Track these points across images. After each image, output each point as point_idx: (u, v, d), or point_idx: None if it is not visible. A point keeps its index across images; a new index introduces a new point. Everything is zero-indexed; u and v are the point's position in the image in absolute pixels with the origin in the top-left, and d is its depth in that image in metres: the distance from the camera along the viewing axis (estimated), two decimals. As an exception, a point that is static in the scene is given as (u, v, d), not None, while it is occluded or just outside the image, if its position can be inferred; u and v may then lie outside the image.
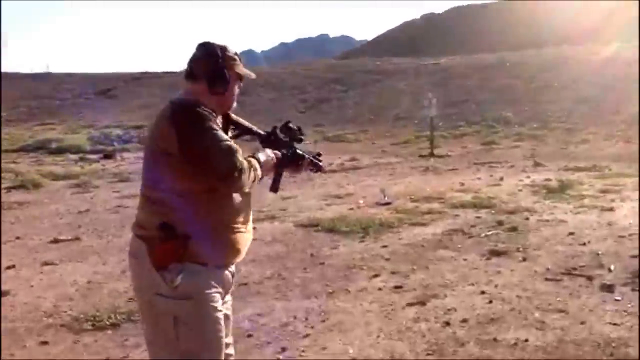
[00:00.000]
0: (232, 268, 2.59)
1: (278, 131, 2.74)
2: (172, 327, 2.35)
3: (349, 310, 4.69)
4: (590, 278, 5.27)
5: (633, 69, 21.53)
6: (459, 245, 6.51)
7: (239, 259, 2.57)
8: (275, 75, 32.22)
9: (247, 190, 2.45)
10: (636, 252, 5.85)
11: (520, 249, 6.27)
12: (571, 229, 7.06)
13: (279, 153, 2.67)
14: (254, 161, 2.46)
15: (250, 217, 2.59)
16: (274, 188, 2.75)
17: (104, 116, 26.61)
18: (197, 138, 2.30)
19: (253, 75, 2.60)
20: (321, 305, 4.82)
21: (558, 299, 4.80)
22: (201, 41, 2.54)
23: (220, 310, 2.47)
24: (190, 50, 2.52)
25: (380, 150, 17.12)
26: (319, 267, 5.87)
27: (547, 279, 5.31)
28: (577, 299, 4.79)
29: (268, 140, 2.72)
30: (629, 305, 4.59)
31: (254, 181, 2.43)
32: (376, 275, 5.55)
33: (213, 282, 2.44)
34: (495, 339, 4.07)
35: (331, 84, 28.91)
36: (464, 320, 4.40)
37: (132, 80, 35.14)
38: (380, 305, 4.79)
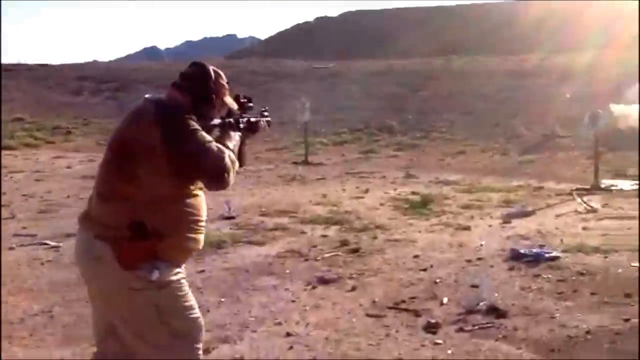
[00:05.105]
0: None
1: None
2: (156, 314, 2.44)
3: (113, 361, 3.77)
4: (417, 314, 4.61)
5: (515, 81, 21.74)
6: (288, 271, 5.74)
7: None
8: (163, 72, 30.71)
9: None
10: (476, 282, 5.24)
11: (354, 276, 5.57)
12: (418, 250, 6.44)
13: (238, 133, 2.70)
14: (232, 155, 2.48)
15: None
16: (242, 162, 2.72)
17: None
18: (186, 139, 2.35)
19: (235, 106, 2.70)
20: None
21: (370, 342, 4.09)
22: (197, 61, 2.61)
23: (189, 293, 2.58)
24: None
25: (254, 157, 16.24)
26: (109, 298, 4.90)
27: (368, 315, 4.61)
28: (394, 342, 4.11)
29: (225, 124, 2.68)
30: (449, 352, 3.93)
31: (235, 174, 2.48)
32: (172, 311, 4.65)
33: (178, 270, 2.53)
34: (273, 404, 3.27)
35: (218, 85, 27.72)
36: (246, 376, 3.59)
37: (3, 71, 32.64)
38: (156, 353, 3.89)
